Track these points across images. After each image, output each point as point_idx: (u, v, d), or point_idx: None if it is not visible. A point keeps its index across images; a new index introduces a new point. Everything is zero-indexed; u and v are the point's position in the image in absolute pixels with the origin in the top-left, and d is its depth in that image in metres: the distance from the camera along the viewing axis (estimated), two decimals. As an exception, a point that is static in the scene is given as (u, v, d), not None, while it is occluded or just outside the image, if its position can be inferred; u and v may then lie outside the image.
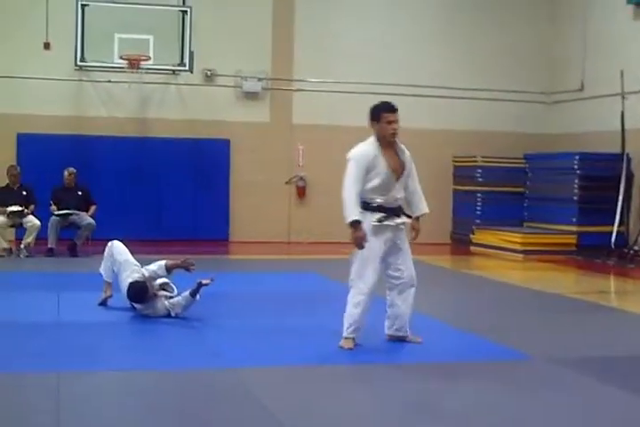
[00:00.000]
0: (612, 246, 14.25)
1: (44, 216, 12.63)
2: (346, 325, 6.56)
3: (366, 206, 6.47)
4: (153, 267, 7.98)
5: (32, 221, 12.53)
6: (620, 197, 14.46)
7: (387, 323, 6.82)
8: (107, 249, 8.32)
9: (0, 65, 14.91)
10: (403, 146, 6.73)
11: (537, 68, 17.35)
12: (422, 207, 6.80)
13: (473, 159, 16.46)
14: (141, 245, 13.64)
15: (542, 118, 17.35)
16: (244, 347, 6.60)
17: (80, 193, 13.02)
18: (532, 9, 17.37)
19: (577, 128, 16.42)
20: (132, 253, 8.29)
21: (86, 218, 12.72)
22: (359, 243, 6.37)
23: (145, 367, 5.88)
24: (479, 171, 16.30)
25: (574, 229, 14.86)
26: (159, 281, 7.92)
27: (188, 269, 7.96)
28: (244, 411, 4.93)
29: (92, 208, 12.97)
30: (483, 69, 17.00)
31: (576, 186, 14.98)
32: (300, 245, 15.85)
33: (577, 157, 15.06)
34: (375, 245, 6.48)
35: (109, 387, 5.49)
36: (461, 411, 5.00)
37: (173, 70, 15.28)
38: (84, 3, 14.34)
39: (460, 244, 16.36)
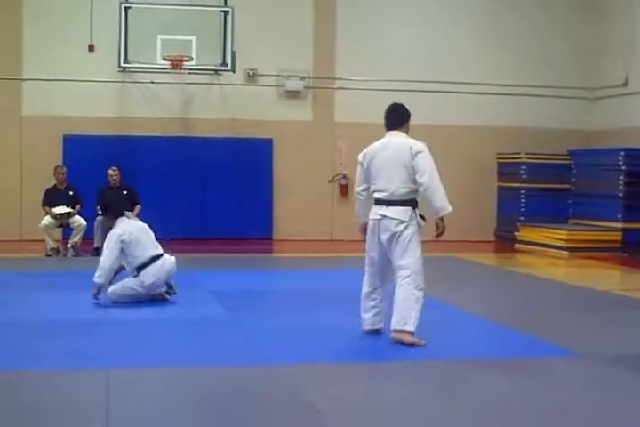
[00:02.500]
0: (659, 243, 14.11)
1: (90, 216, 12.78)
2: (412, 320, 6.48)
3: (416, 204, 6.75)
4: None
5: (79, 221, 12.69)
6: (667, 193, 14.32)
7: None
8: None
9: (46, 68, 15.15)
10: None
11: (580, 64, 17.18)
12: None
13: (517, 156, 16.35)
14: (186, 243, 13.83)
15: (586, 114, 17.17)
16: (290, 344, 6.63)
17: (125, 192, 13.14)
18: (576, 4, 17.21)
19: (621, 124, 16.24)
20: (174, 251, 8.40)
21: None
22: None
23: (192, 364, 5.92)
24: (523, 167, 16.19)
25: (620, 225, 14.72)
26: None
27: None
28: (292, 408, 4.94)
29: (137, 208, 13.06)
30: (525, 66, 16.87)
31: (621, 182, 14.83)
32: (343, 242, 15.86)
33: (622, 153, 14.91)
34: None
35: (158, 384, 5.53)
36: (523, 409, 5.00)
37: (216, 70, 15.39)
38: (127, 5, 14.51)
39: (505, 241, 16.24)
